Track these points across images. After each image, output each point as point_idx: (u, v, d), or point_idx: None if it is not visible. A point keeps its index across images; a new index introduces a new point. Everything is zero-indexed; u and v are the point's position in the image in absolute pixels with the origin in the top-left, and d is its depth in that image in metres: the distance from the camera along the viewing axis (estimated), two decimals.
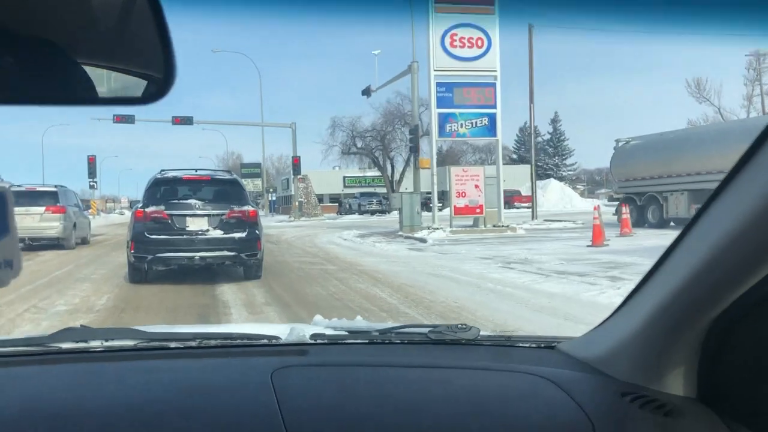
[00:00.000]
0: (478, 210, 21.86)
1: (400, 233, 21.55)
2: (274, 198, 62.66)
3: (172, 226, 10.12)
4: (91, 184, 45.11)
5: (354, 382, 1.35)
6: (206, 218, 10.27)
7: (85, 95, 0.81)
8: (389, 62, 60.09)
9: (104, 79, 0.83)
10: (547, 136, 69.69)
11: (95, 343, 1.52)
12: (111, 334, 1.59)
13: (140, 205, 10.43)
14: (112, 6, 0.78)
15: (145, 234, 10.01)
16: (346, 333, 1.72)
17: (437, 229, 20.78)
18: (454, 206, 21.84)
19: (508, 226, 21.52)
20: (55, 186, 18.72)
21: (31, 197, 17.09)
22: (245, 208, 10.54)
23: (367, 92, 32.47)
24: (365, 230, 24.55)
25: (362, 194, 53.02)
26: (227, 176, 11.54)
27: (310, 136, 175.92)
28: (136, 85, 0.84)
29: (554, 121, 70.12)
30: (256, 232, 10.52)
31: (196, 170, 11.39)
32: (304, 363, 1.45)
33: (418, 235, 20.11)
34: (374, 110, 53.18)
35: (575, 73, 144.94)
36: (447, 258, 13.81)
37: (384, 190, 49.47)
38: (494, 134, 22.82)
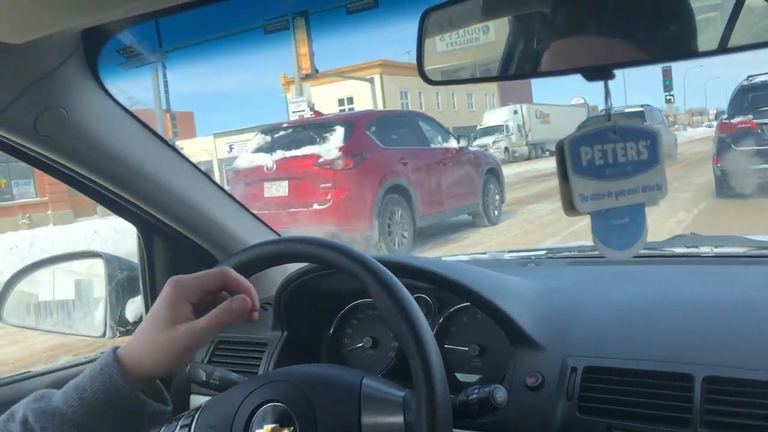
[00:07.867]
0: None
1: None
2: None
3: (763, 136, 9.49)
4: (667, 98, 44.11)
5: None
6: None
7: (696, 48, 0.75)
8: None
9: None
10: None
11: (705, 249, 1.55)
12: (720, 241, 1.59)
13: (725, 116, 10.10)
14: None
15: (732, 146, 9.67)
16: None
17: None
18: None
19: None
20: (642, 106, 19.26)
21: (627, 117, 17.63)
22: None
23: None
24: None
25: None
26: None
27: None
28: None
29: None
30: None
31: None
32: None
33: None
34: None
35: None
36: None
37: None
38: None
